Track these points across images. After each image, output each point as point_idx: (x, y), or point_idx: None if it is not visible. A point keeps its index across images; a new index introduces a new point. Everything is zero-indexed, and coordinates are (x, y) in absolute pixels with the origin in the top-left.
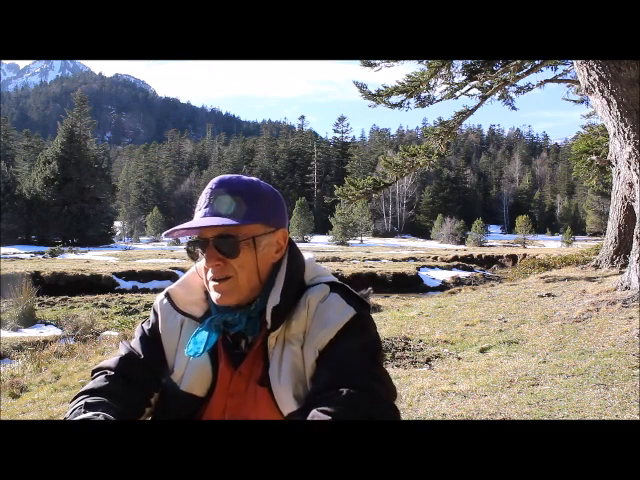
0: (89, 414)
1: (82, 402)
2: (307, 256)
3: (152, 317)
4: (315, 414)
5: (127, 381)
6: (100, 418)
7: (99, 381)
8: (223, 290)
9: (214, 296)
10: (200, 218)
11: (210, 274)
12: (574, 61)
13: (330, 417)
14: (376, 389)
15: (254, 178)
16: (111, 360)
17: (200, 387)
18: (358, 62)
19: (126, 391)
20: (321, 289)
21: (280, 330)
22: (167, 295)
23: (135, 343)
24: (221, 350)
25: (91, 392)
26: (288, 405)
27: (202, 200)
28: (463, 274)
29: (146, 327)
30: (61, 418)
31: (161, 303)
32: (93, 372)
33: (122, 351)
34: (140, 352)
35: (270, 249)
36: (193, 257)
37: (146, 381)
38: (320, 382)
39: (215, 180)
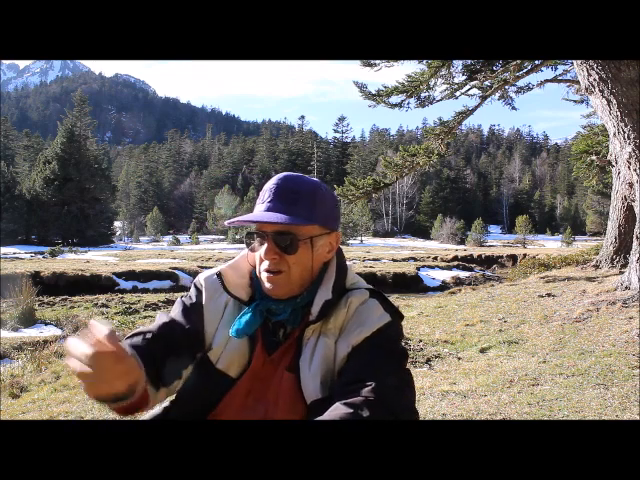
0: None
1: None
2: (347, 263)
3: (194, 292)
4: (338, 406)
5: (166, 346)
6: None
7: (137, 341)
8: (276, 282)
9: (266, 286)
10: (263, 212)
11: (265, 266)
12: (574, 61)
13: (355, 409)
14: (403, 389)
15: (316, 179)
16: (152, 325)
17: (235, 368)
18: (358, 62)
19: (163, 356)
20: (362, 293)
21: (318, 324)
22: (219, 274)
23: (176, 314)
24: (259, 336)
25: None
26: (313, 393)
27: (266, 194)
28: (463, 274)
29: (187, 301)
30: (61, 418)
31: (207, 281)
32: (130, 336)
33: (163, 318)
34: (181, 322)
35: (324, 249)
36: (250, 247)
37: (183, 352)
38: (349, 375)
39: (280, 176)
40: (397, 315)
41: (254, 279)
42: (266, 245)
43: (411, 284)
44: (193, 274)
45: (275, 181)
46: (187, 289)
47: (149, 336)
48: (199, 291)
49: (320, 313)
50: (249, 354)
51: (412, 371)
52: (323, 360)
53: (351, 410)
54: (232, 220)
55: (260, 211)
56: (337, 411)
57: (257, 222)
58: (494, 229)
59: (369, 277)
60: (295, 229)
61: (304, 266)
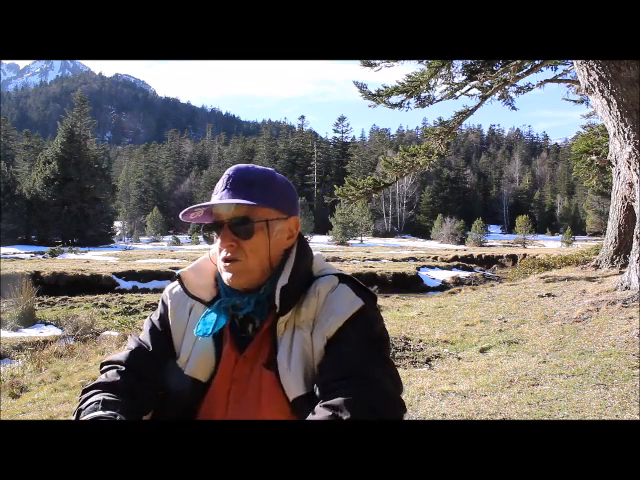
0: (107, 412)
1: (100, 398)
2: (315, 252)
3: (160, 308)
4: (319, 410)
5: (138, 376)
6: (117, 419)
7: (112, 376)
8: (234, 271)
9: (225, 277)
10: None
11: (223, 255)
12: (574, 61)
13: (334, 411)
14: (384, 382)
15: (269, 168)
16: (121, 354)
17: (203, 372)
18: (358, 62)
19: (138, 386)
20: (330, 279)
21: (290, 316)
22: (179, 277)
23: (144, 336)
24: (227, 334)
25: (104, 387)
26: (295, 390)
27: (219, 185)
28: (463, 274)
29: (155, 319)
30: (61, 418)
31: (170, 292)
32: (102, 365)
33: (132, 345)
34: (150, 345)
35: (282, 235)
36: (209, 240)
37: (156, 375)
38: (328, 372)
39: (232, 168)
40: (371, 298)
41: (219, 279)
42: (222, 233)
43: (411, 284)
44: None
45: (228, 172)
46: None
47: (122, 369)
48: (164, 304)
49: (281, 302)
50: (216, 355)
51: (412, 371)
52: (302, 355)
53: (330, 413)
54: (186, 210)
55: (215, 201)
56: (318, 415)
57: (209, 206)
58: (494, 229)
59: (369, 277)
60: (250, 212)
61: (262, 253)
